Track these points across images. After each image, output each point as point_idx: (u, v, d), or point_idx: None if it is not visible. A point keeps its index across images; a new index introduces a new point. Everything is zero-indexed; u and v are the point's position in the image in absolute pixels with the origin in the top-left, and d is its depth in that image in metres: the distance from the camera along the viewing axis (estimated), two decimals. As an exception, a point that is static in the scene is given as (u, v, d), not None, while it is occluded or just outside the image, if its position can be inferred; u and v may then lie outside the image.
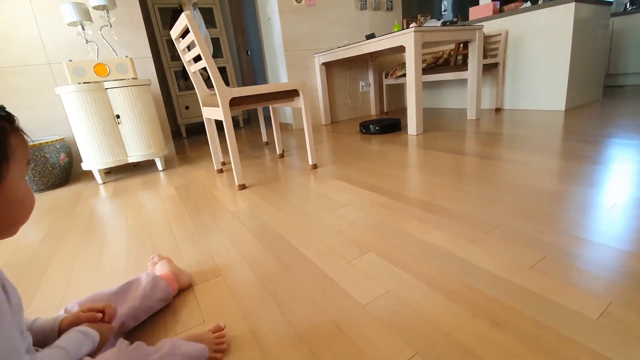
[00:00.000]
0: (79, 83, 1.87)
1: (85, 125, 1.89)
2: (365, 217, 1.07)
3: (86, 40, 2.10)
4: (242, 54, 4.65)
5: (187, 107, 3.80)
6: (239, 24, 4.54)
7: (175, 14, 3.74)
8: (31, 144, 1.88)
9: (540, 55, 2.55)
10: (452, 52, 2.99)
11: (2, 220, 0.41)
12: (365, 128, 2.49)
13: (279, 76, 3.29)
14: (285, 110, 3.42)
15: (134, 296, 0.66)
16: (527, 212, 0.97)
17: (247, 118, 4.78)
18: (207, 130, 1.88)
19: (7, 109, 0.42)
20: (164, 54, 3.69)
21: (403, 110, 3.62)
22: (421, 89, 2.19)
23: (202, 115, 3.81)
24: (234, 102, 1.48)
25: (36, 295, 0.85)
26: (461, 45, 2.85)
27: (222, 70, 3.93)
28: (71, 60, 1.86)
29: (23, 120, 2.13)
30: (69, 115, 1.90)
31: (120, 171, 2.29)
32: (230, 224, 1.15)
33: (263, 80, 4.62)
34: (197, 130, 4.20)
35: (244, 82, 4.74)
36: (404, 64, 3.26)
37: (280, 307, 0.69)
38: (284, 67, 3.11)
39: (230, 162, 2.09)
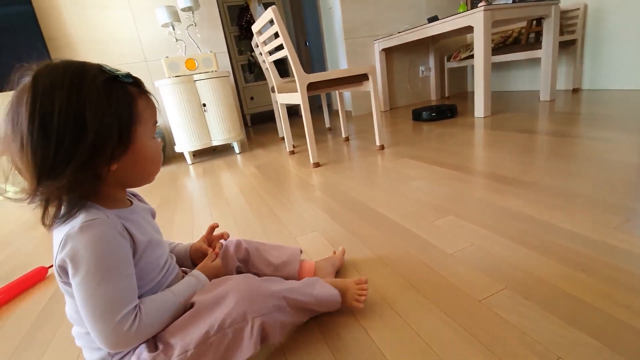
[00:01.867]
0: (174, 76, 2.16)
1: (178, 113, 2.18)
2: (439, 188, 1.15)
3: (176, 38, 2.40)
4: (301, 45, 4.82)
5: (252, 98, 4.09)
6: (298, 17, 4.72)
7: (241, 11, 4.01)
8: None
9: (624, 30, 2.33)
10: (522, 30, 2.84)
11: (138, 174, 0.49)
12: (418, 115, 2.45)
13: (339, 65, 3.40)
14: (344, 98, 3.52)
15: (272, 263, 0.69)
16: (610, 183, 0.97)
17: (305, 107, 4.97)
18: (281, 115, 2.06)
19: (131, 74, 0.46)
20: (232, 48, 3.98)
21: (465, 95, 3.52)
22: (490, 70, 2.15)
23: (266, 105, 4.07)
24: (310, 87, 1.62)
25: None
26: (533, 22, 2.70)
27: (284, 61, 4.14)
28: (167, 57, 2.15)
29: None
30: (165, 104, 2.20)
31: (202, 154, 2.58)
32: (314, 194, 1.30)
33: (322, 69, 4.76)
34: (261, 119, 4.48)
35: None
36: (468, 45, 3.16)
37: (374, 252, 0.81)
38: (344, 56, 3.20)
39: (300, 145, 2.26)
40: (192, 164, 2.29)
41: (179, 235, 1.11)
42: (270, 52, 1.96)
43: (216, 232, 0.69)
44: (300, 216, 1.11)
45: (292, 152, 2.09)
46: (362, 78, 1.72)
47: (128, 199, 0.53)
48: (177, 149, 2.29)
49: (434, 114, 2.37)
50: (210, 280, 0.55)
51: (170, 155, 2.70)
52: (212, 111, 2.25)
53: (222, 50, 2.74)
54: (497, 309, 0.57)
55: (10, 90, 0.41)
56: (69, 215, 0.42)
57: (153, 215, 0.60)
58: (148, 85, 2.44)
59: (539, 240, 0.75)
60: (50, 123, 0.38)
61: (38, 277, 0.95)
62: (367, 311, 0.62)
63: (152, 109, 0.49)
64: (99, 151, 0.41)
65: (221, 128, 2.30)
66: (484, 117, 2.19)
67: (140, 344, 0.45)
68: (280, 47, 1.66)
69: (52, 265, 1.00)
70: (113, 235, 0.43)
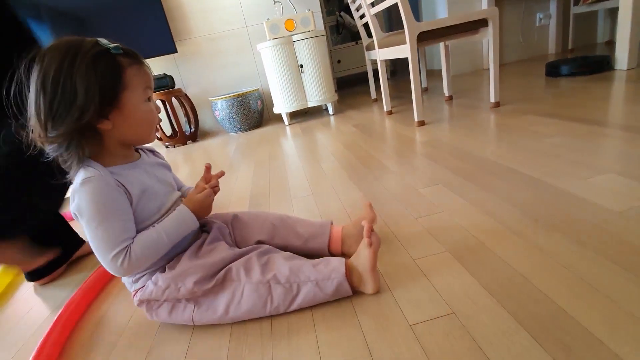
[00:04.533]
0: (274, 38, 2.22)
1: (277, 75, 2.26)
2: (586, 144, 0.99)
3: (274, 1, 2.44)
4: None
5: (339, 61, 4.02)
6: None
7: (331, -33, 3.87)
8: (237, 94, 2.38)
9: None
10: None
11: (133, 132, 0.56)
12: (554, 68, 2.00)
13: (436, 16, 3.09)
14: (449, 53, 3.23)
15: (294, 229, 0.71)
16: None
17: (393, 69, 4.73)
18: (380, 73, 1.98)
19: (122, 47, 0.53)
20: (321, 9, 3.91)
21: (593, 46, 2.93)
22: (643, 8, 1.71)
23: (352, 68, 3.97)
24: (419, 38, 1.51)
25: (289, 189, 1.14)
26: None
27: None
28: (269, 19, 2.21)
29: (230, 76, 2.70)
30: (266, 67, 2.29)
31: (296, 116, 2.66)
32: (425, 149, 1.24)
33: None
34: (348, 83, 4.42)
35: (390, 28, 4.64)
36: (608, -18, 2.57)
37: (516, 206, 0.74)
38: (444, 6, 2.89)
39: (396, 106, 2.17)
40: (289, 124, 2.39)
41: (294, 187, 1.18)
42: (373, 4, 1.86)
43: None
44: (416, 169, 1.07)
45: (390, 112, 2.02)
46: (478, 25, 1.53)
47: (137, 153, 0.62)
48: (276, 110, 2.40)
49: (583, 68, 1.87)
50: (193, 211, 0.60)
51: (267, 117, 2.86)
52: (309, 72, 2.27)
53: (317, 10, 2.71)
54: None
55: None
56: (77, 167, 0.52)
57: (168, 169, 0.68)
58: (249, 49, 2.57)
59: None
60: (46, 85, 0.48)
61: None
62: (519, 260, 0.57)
63: (143, 76, 0.55)
64: (88, 109, 0.49)
65: (317, 89, 2.32)
66: (627, 70, 1.79)
67: (155, 271, 0.59)
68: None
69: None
70: (106, 189, 0.52)
